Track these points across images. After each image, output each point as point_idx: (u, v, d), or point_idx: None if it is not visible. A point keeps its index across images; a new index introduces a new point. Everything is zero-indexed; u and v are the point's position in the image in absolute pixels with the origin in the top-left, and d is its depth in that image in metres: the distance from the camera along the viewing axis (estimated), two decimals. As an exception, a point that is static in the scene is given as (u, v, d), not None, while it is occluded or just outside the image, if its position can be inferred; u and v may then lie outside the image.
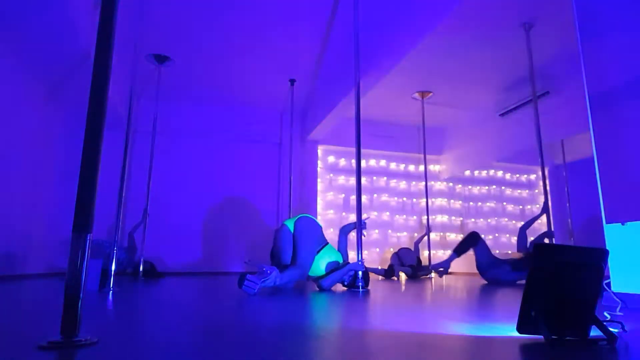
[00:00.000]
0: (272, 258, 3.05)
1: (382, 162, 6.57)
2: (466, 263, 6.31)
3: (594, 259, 1.06)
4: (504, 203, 6.89)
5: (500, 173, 6.96)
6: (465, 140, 6.32)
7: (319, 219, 6.02)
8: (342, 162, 6.34)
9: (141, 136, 5.33)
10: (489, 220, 6.74)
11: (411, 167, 6.68)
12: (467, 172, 6.70)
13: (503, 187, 6.96)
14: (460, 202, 6.80)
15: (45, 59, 3.76)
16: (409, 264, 4.99)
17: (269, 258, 3.11)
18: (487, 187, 6.90)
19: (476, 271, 4.22)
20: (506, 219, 6.83)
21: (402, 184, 6.60)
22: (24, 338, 1.06)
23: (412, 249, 5.36)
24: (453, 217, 6.74)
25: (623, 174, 2.01)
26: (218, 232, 5.63)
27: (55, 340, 0.93)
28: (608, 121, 2.09)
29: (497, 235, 6.72)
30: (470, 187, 6.86)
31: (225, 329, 1.21)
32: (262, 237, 5.58)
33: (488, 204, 6.83)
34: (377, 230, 6.26)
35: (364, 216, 3.02)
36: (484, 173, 6.88)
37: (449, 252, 6.59)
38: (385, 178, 6.53)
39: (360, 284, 2.79)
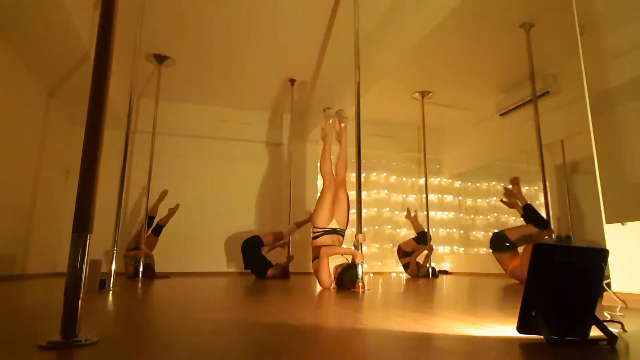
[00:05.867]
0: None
1: (382, 162, 6.58)
2: (466, 263, 6.32)
3: (594, 259, 1.06)
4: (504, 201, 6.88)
5: (500, 173, 6.95)
6: (465, 140, 6.32)
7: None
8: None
9: (141, 136, 5.33)
10: (488, 216, 6.75)
11: (411, 167, 6.68)
12: (467, 172, 6.70)
13: (503, 188, 6.95)
14: (459, 200, 6.81)
15: (47, 60, 3.76)
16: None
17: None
18: (487, 187, 6.90)
19: (475, 271, 4.20)
20: (506, 215, 6.83)
21: (402, 183, 6.62)
22: (24, 338, 1.06)
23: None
24: (452, 215, 6.75)
25: (623, 174, 2.01)
26: (217, 232, 5.63)
27: (55, 340, 0.93)
28: (608, 121, 2.09)
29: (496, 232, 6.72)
30: (470, 186, 6.86)
31: (224, 329, 1.21)
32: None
33: (487, 202, 6.84)
34: (376, 226, 6.29)
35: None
36: (483, 173, 6.87)
37: (447, 250, 6.62)
38: (384, 174, 6.54)
39: (360, 284, 2.79)
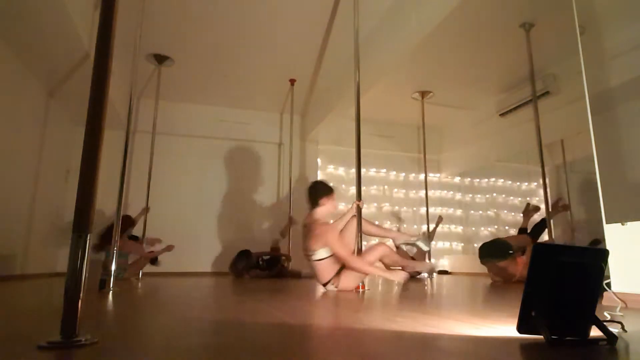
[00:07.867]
0: None
1: (382, 161, 6.58)
2: (466, 263, 6.31)
3: (594, 259, 1.06)
4: (504, 195, 6.89)
5: (500, 173, 6.95)
6: (465, 140, 6.32)
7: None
8: (342, 162, 6.34)
9: (141, 136, 5.33)
10: (488, 212, 6.75)
11: (411, 167, 6.69)
12: (467, 172, 6.70)
13: (503, 187, 6.96)
14: (459, 199, 6.81)
15: (47, 60, 3.76)
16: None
17: None
18: (486, 187, 6.90)
19: (474, 271, 4.20)
20: (505, 211, 6.83)
21: (402, 183, 6.62)
22: (24, 338, 1.06)
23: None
24: (451, 211, 6.77)
25: (623, 174, 2.01)
26: (218, 231, 5.63)
27: (55, 340, 0.93)
28: (608, 121, 2.09)
29: (496, 228, 6.74)
30: (469, 186, 6.86)
31: (224, 329, 1.21)
32: (261, 236, 5.58)
33: (487, 200, 6.84)
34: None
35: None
36: (483, 173, 6.87)
37: (447, 246, 6.61)
38: (385, 171, 6.55)
39: (360, 283, 2.79)
